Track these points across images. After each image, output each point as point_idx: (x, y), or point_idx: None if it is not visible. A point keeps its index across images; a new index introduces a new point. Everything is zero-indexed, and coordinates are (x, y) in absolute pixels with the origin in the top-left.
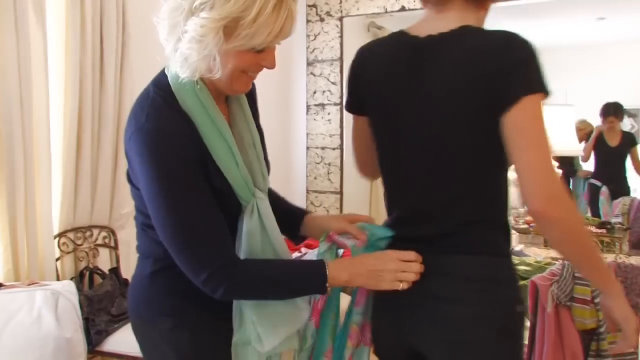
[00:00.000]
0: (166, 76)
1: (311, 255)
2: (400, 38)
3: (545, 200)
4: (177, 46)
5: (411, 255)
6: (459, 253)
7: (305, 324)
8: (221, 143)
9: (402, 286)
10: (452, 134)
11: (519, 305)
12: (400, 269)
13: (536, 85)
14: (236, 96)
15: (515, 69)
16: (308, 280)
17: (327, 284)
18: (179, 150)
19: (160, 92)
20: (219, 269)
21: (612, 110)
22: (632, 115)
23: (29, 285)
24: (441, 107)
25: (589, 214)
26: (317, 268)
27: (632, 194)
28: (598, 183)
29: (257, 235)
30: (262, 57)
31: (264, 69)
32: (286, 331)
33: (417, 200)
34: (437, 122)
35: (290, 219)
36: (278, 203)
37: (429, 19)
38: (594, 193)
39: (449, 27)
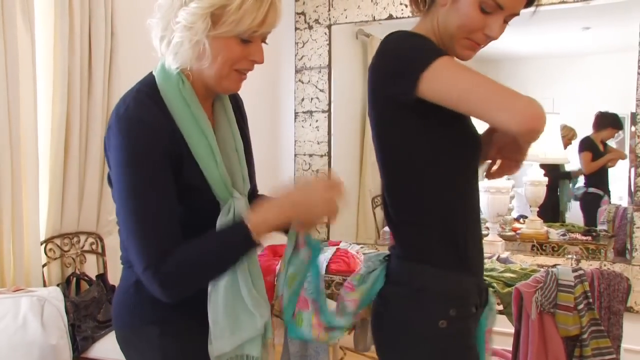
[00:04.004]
0: (153, 76)
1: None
2: None
3: (522, 125)
4: (170, 38)
5: (336, 182)
6: (392, 255)
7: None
8: (202, 141)
9: (331, 221)
10: (375, 136)
11: (442, 319)
12: (331, 198)
13: (420, 66)
14: (221, 102)
15: (393, 66)
16: (234, 240)
17: (252, 236)
18: (150, 140)
19: (144, 87)
20: (151, 264)
21: (622, 124)
22: None
23: (15, 291)
24: (368, 111)
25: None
26: (238, 225)
27: (618, 202)
28: (600, 192)
29: None
30: (250, 50)
31: (255, 68)
32: (240, 338)
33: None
34: (371, 125)
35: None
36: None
37: None
38: (594, 202)
39: None
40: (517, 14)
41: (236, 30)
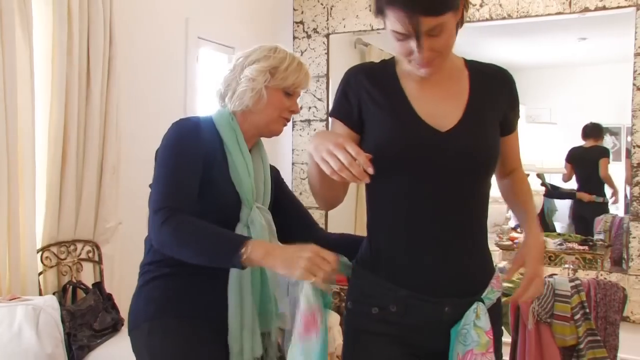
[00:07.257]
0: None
1: None
2: None
3: None
4: (236, 89)
5: (330, 255)
6: None
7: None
8: (240, 157)
9: (313, 279)
10: None
11: (348, 307)
12: (314, 261)
13: None
14: (258, 147)
15: None
16: (227, 245)
17: (242, 254)
18: (195, 137)
19: (202, 117)
20: (171, 207)
21: None
22: (614, 133)
23: (10, 300)
24: None
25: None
26: (239, 238)
27: (614, 212)
28: (606, 199)
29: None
30: (290, 102)
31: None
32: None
33: None
34: None
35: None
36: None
37: None
38: (596, 211)
39: None
40: (432, 28)
41: (283, 84)
